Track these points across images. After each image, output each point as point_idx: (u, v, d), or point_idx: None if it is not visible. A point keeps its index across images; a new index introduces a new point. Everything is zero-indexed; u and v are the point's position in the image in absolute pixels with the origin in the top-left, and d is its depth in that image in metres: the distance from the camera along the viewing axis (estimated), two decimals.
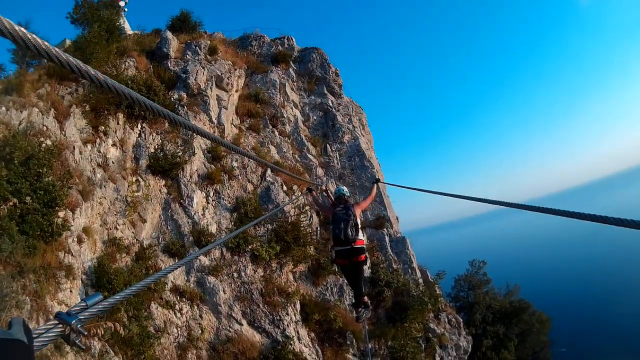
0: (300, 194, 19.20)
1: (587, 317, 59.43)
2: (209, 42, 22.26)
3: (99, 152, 15.22)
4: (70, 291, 11.46)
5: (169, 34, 21.61)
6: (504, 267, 77.11)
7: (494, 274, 33.34)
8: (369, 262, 19.21)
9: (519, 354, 27.34)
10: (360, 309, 9.73)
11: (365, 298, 9.79)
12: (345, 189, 9.78)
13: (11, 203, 10.48)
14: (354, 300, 10.34)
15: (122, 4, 24.38)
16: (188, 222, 16.53)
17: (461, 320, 21.63)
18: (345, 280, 17.09)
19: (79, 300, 7.35)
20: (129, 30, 25.14)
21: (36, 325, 9.35)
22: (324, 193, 13.20)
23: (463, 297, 29.53)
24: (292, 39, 27.70)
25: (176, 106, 18.73)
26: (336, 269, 17.93)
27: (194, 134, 18.23)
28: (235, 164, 19.00)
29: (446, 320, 20.69)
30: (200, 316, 14.82)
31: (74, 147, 14.12)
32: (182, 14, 25.68)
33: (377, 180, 14.58)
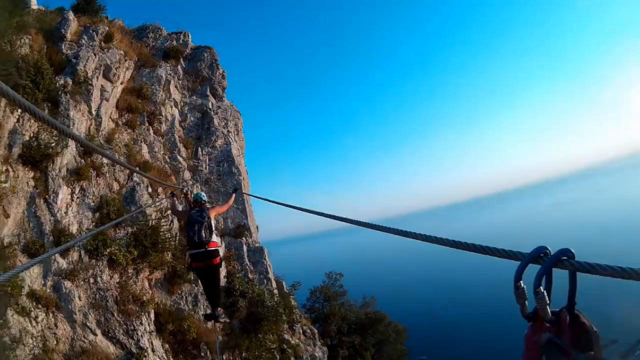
0: (164, 197, 18.78)
1: (441, 326, 65.06)
2: (107, 28, 20.70)
3: None
4: None
5: (71, 15, 19.71)
6: (361, 279, 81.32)
7: (351, 287, 34.90)
8: (225, 270, 19.60)
9: None
10: (213, 314, 10.13)
11: (220, 309, 10.20)
12: (204, 194, 10.23)
13: None
14: (208, 311, 10.66)
15: None
16: (50, 220, 15.42)
17: (316, 331, 22.61)
18: (201, 289, 17.42)
19: None
20: (34, 3, 22.51)
21: None
22: (185, 198, 13.39)
23: (318, 309, 30.42)
24: (188, 35, 26.77)
25: (59, 93, 17.28)
26: (192, 277, 18.03)
27: (71, 125, 17.14)
28: (105, 160, 18.04)
29: (301, 331, 21.53)
30: (56, 325, 13.94)
31: None
32: None
33: (236, 189, 15.00)
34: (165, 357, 16.31)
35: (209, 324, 17.78)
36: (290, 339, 20.80)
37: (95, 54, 19.16)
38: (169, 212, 18.67)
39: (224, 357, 17.54)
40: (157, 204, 18.43)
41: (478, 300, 75.51)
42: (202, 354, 17.19)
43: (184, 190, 17.20)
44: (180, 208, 16.52)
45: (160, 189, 19.38)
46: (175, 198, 12.51)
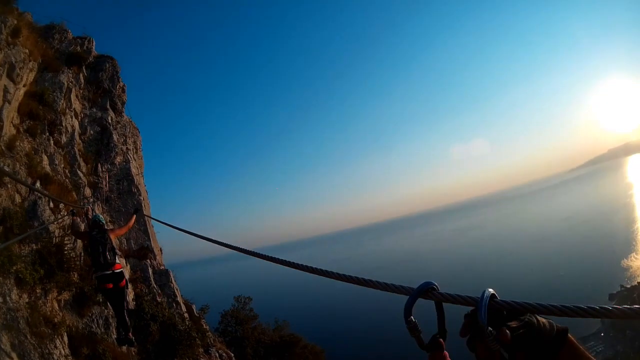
0: (65, 213, 17.57)
1: (356, 344, 64.73)
2: (15, 21, 18.82)
3: None
4: None
5: None
6: (269, 303, 79.63)
7: (260, 310, 34.30)
8: (133, 294, 18.64)
9: None
10: (125, 339, 10.18)
11: (130, 334, 10.21)
12: (101, 217, 10.44)
13: None
14: (120, 335, 10.58)
15: None
16: None
17: (232, 355, 22.03)
18: (111, 312, 16.81)
19: None
20: None
21: None
22: (86, 216, 13.17)
23: (231, 332, 29.61)
24: (92, 42, 25.10)
25: None
26: (100, 300, 17.12)
27: None
28: (6, 169, 16.38)
29: (217, 355, 20.92)
30: None
31: None
32: None
33: (137, 210, 14.86)
34: None
35: (124, 348, 16.93)
36: None
37: (1, 49, 17.41)
38: (70, 230, 17.43)
39: None
40: (60, 220, 17.09)
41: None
42: None
43: (84, 209, 16.40)
44: (82, 227, 15.71)
45: (61, 205, 17.90)
46: (76, 217, 12.04)
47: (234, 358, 21.99)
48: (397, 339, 64.16)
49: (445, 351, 1.82)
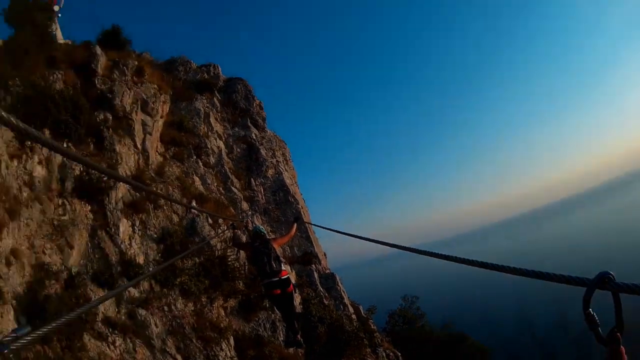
0: (225, 228, 18.65)
1: (524, 345, 61.55)
2: (136, 62, 21.18)
3: (25, 169, 13.68)
4: (1, 316, 10.09)
5: (99, 50, 20.18)
6: (437, 301, 78.89)
7: (428, 309, 33.73)
8: (299, 298, 19.05)
9: None
10: (294, 341, 10.09)
11: (299, 336, 10.05)
12: (262, 228, 10.31)
13: None
14: (288, 338, 10.57)
15: (56, 8, 22.71)
16: (115, 251, 15.25)
17: (399, 354, 21.55)
18: (278, 316, 17.26)
19: (11, 327, 6.43)
20: (60, 38, 23.38)
21: None
22: (246, 228, 13.44)
23: (399, 332, 29.40)
24: (218, 68, 27.27)
25: (102, 128, 17.47)
26: (267, 305, 17.68)
27: (119, 159, 17.21)
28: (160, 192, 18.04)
29: (384, 354, 20.56)
30: (134, 349, 13.51)
31: (0, 161, 12.68)
32: (113, 29, 24.23)
33: (297, 219, 14.80)
34: None
35: (291, 350, 17.20)
36: None
37: (129, 89, 19.46)
38: (232, 243, 18.46)
39: None
40: (220, 235, 18.21)
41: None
42: None
43: (244, 222, 17.21)
44: (243, 239, 16.53)
45: (221, 221, 19.09)
46: (236, 230, 12.63)
47: (401, 357, 21.40)
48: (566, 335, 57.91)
49: (622, 346, 1.77)
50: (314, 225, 21.05)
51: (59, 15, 23.15)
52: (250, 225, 20.42)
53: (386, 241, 5.93)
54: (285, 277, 9.23)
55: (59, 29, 23.27)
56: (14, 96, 14.95)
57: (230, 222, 15.96)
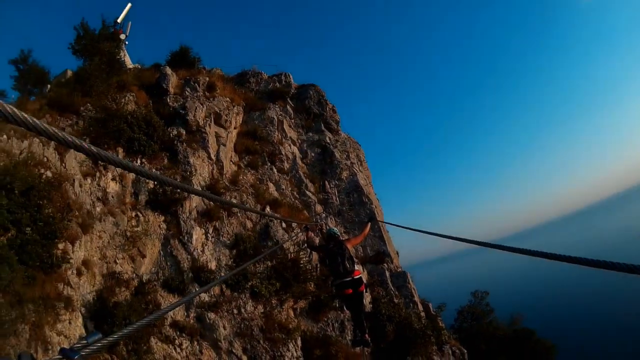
0: (299, 231, 19.15)
1: (594, 345, 58.33)
2: (207, 78, 22.42)
3: (99, 185, 15.13)
4: (70, 322, 11.23)
5: (168, 70, 21.73)
6: (505, 297, 76.26)
7: (497, 305, 32.91)
8: (370, 297, 19.25)
9: None
10: (361, 340, 10.00)
11: (367, 336, 10.03)
12: (336, 229, 10.31)
13: (10, 233, 10.39)
14: (356, 337, 10.70)
15: (122, 37, 24.59)
16: (187, 258, 16.35)
17: (465, 351, 21.28)
18: (347, 315, 17.65)
19: (79, 333, 7.28)
20: (129, 63, 25.27)
21: (41, 357, 9.25)
22: (320, 231, 13.67)
23: (467, 328, 29.01)
24: (289, 76, 28.01)
25: (175, 142, 18.74)
26: (337, 305, 17.93)
27: (193, 171, 18.31)
28: (234, 201, 18.92)
29: (450, 352, 20.36)
30: (200, 352, 14.47)
31: (73, 180, 14.05)
32: (181, 50, 25.97)
33: (371, 219, 14.85)
34: None
35: (357, 349, 17.43)
36: None
37: (202, 104, 20.60)
38: (306, 245, 18.94)
39: None
40: (293, 238, 18.77)
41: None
42: None
43: (318, 224, 17.67)
44: (317, 241, 17.02)
45: (294, 224, 19.69)
46: (309, 232, 12.94)
47: (466, 354, 20.95)
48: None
49: None
50: (387, 223, 20.95)
51: (126, 43, 24.88)
52: (324, 227, 20.89)
53: (456, 236, 5.77)
54: (358, 277, 9.46)
55: (127, 56, 25.01)
56: (86, 120, 16.43)
57: (304, 225, 16.47)
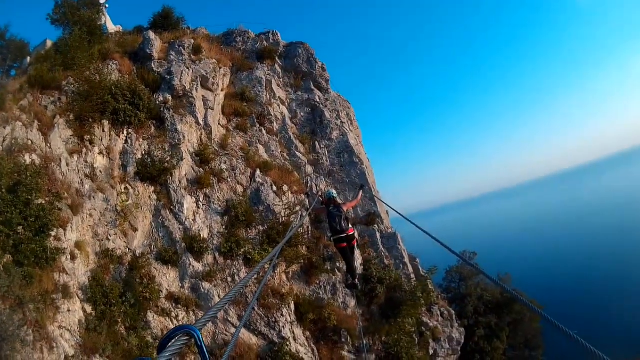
0: (291, 195, 19.46)
1: (581, 303, 59.50)
2: (192, 40, 21.66)
3: (86, 162, 14.82)
4: (69, 311, 11.26)
5: (152, 34, 21.01)
6: (493, 254, 77.09)
7: (484, 262, 33.17)
8: (361, 259, 19.53)
9: (510, 342, 27.55)
10: (352, 284, 12.00)
11: (356, 280, 12.10)
12: (334, 192, 12.13)
13: (3, 236, 10.28)
14: (347, 281, 12.48)
15: (102, 0, 23.71)
16: (179, 229, 16.29)
17: (453, 312, 21.77)
18: (338, 278, 18.52)
19: (79, 318, 7.20)
20: (111, 26, 24.46)
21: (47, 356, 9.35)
22: (319, 195, 14.64)
23: (454, 289, 29.50)
24: (277, 34, 27.23)
25: (162, 109, 18.32)
26: (328, 268, 18.48)
27: (182, 138, 18.01)
28: (224, 166, 18.70)
29: (439, 313, 20.82)
30: (209, 319, 14.64)
31: (60, 159, 13.75)
32: (164, 11, 25.17)
33: (363, 186, 15.63)
34: (307, 344, 16.50)
35: (349, 311, 18.12)
36: (429, 321, 20.20)
37: (187, 67, 20.04)
38: (298, 208, 19.07)
39: (365, 342, 17.40)
40: (285, 202, 18.93)
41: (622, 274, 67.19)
42: (343, 339, 17.19)
43: (315, 191, 18.37)
44: (307, 203, 17.73)
45: (285, 187, 19.62)
46: (310, 197, 15.66)
47: (454, 315, 21.42)
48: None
49: None
50: (377, 198, 22.10)
51: (107, 6, 24.01)
52: (314, 189, 21.07)
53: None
54: (352, 234, 11.37)
55: (108, 19, 24.17)
56: (69, 96, 15.95)
57: (305, 192, 18.92)
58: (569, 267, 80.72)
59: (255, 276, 16.85)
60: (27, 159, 12.41)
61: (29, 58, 19.87)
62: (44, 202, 11.74)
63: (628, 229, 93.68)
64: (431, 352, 19.46)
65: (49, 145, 13.76)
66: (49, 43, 20.89)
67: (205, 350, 1.68)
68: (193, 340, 1.70)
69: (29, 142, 13.12)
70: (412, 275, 21.15)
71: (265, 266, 16.78)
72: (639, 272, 63.17)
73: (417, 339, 19.17)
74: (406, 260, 21.56)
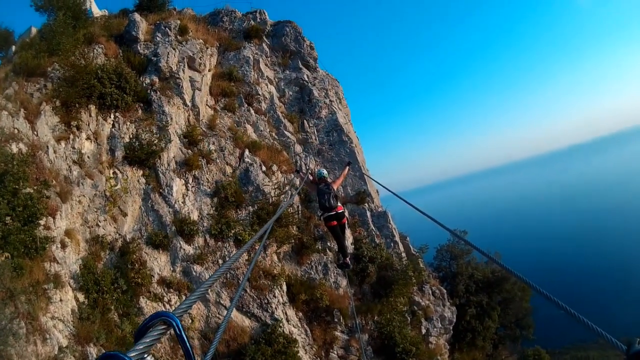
0: (280, 175, 19.48)
1: (571, 283, 60.15)
2: (178, 21, 21.34)
3: (74, 148, 14.68)
4: (61, 301, 11.23)
5: (137, 16, 20.62)
6: (484, 232, 77.46)
7: (472, 241, 33.09)
8: (352, 238, 19.60)
9: (501, 322, 27.73)
10: (343, 264, 12.40)
11: (348, 259, 12.41)
12: (324, 171, 12.38)
13: None
14: (339, 260, 13.14)
15: None
16: (169, 212, 16.24)
17: (445, 291, 21.93)
18: (330, 258, 18.59)
19: (72, 307, 7.18)
20: (96, 10, 23.98)
21: (40, 348, 9.32)
22: (309, 175, 14.81)
23: (445, 267, 29.52)
24: (264, 13, 26.84)
25: (149, 91, 18.12)
26: (319, 247, 18.65)
27: (169, 120, 17.82)
28: (212, 147, 18.59)
29: (430, 292, 20.96)
30: (189, 306, 14.66)
31: (47, 147, 13.62)
32: None
33: (349, 163, 15.83)
34: (300, 325, 16.63)
35: (341, 291, 18.20)
36: (420, 300, 20.34)
37: (174, 48, 19.78)
38: (287, 187, 19.07)
39: (357, 321, 17.54)
40: (275, 182, 18.88)
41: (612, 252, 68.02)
42: (335, 319, 17.32)
43: (305, 170, 18.42)
44: (297, 183, 17.87)
45: (275, 167, 19.57)
46: (300, 174, 15.31)
47: (446, 294, 21.62)
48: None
49: None
50: (367, 175, 22.35)
51: None
52: (303, 168, 21.08)
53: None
54: (341, 211, 11.61)
55: (93, 3, 23.70)
56: (54, 82, 15.70)
57: (295, 169, 18.68)
58: (557, 247, 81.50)
59: (247, 257, 16.92)
60: (14, 148, 12.27)
61: (13, 47, 19.47)
62: (32, 190, 11.59)
63: (615, 209, 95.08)
64: (423, 331, 19.63)
65: (35, 133, 13.59)
66: (34, 30, 20.49)
67: (186, 340, 1.51)
68: (172, 329, 1.53)
69: (16, 131, 12.94)
70: (403, 254, 21.27)
71: (256, 246, 16.93)
72: (625, 253, 64.17)
73: (409, 318, 19.35)
74: (397, 238, 21.66)
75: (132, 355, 1.27)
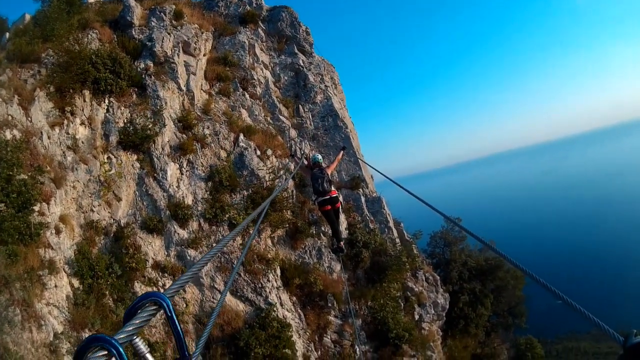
0: (275, 159, 19.49)
1: (564, 273, 60.42)
2: (173, 6, 21.22)
3: (68, 133, 14.74)
4: (56, 287, 11.36)
5: (132, 1, 20.47)
6: (479, 220, 77.60)
7: (468, 228, 33.18)
8: (346, 222, 19.69)
9: (494, 309, 27.96)
10: (337, 248, 12.68)
11: (342, 244, 12.69)
12: (319, 156, 12.56)
13: None
14: (333, 245, 13.75)
15: None
16: (163, 196, 16.33)
17: (438, 277, 22.07)
18: (324, 242, 18.79)
19: (67, 293, 7.27)
20: None
21: (36, 334, 9.41)
22: (306, 159, 14.90)
23: (439, 254, 29.63)
24: None
25: (143, 76, 18.11)
26: (313, 232, 18.77)
27: (164, 104, 17.80)
28: (207, 132, 18.64)
29: (424, 278, 21.11)
30: (184, 290, 14.83)
31: (41, 133, 13.69)
32: None
33: (344, 147, 15.89)
34: (294, 310, 16.82)
35: (335, 276, 18.38)
36: (414, 286, 20.49)
37: (169, 33, 19.71)
38: (282, 172, 19.16)
39: (351, 306, 17.66)
40: (269, 166, 18.90)
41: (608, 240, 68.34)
42: (329, 304, 17.50)
43: (300, 155, 18.47)
44: (292, 168, 17.94)
45: (269, 151, 19.60)
46: (295, 159, 16.28)
47: (439, 281, 21.79)
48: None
49: None
50: (362, 160, 22.44)
51: None
52: (298, 152, 21.12)
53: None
54: (335, 196, 11.81)
55: None
56: (48, 68, 15.64)
57: (290, 154, 19.12)
58: (551, 236, 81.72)
59: (241, 242, 17.02)
60: (8, 134, 12.32)
61: (7, 34, 19.35)
62: (26, 177, 11.68)
63: (610, 199, 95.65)
64: (416, 317, 19.82)
65: (29, 119, 13.63)
66: (28, 17, 20.35)
67: (176, 322, 1.45)
68: (162, 310, 1.47)
69: (9, 118, 12.99)
70: (397, 240, 21.43)
71: (250, 230, 17.00)
72: (619, 243, 64.52)
73: (402, 304, 19.53)
74: (391, 224, 21.78)
75: (120, 337, 1.24)
